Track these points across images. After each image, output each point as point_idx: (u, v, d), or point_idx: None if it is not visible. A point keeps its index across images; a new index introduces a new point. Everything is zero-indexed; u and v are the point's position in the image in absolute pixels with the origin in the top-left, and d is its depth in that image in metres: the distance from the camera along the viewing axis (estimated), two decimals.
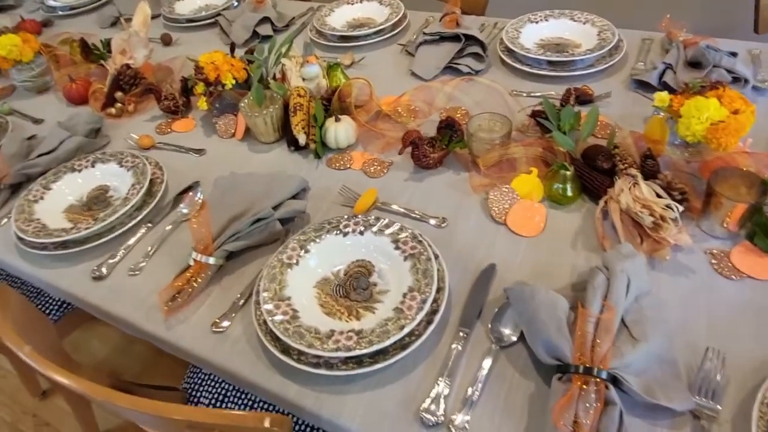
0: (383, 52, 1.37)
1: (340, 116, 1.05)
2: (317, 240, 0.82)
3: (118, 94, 1.28)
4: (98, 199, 1.02)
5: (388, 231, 0.81)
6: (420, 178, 0.98)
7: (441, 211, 0.90)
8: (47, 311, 1.29)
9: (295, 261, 0.80)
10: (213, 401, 1.00)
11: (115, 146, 1.19)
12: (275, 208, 0.89)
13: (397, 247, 0.80)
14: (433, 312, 0.71)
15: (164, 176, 1.02)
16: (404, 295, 0.73)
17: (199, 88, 1.12)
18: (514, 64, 1.20)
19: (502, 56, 1.23)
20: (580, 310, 0.66)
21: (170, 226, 0.94)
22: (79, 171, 1.06)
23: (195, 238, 0.84)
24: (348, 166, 1.02)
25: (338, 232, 0.83)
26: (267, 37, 1.50)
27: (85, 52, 1.45)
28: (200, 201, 0.98)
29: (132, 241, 0.93)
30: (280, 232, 0.88)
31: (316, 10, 1.62)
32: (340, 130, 1.04)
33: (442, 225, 0.88)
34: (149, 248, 0.91)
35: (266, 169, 1.05)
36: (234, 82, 1.14)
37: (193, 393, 1.05)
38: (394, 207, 0.92)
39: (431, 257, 0.76)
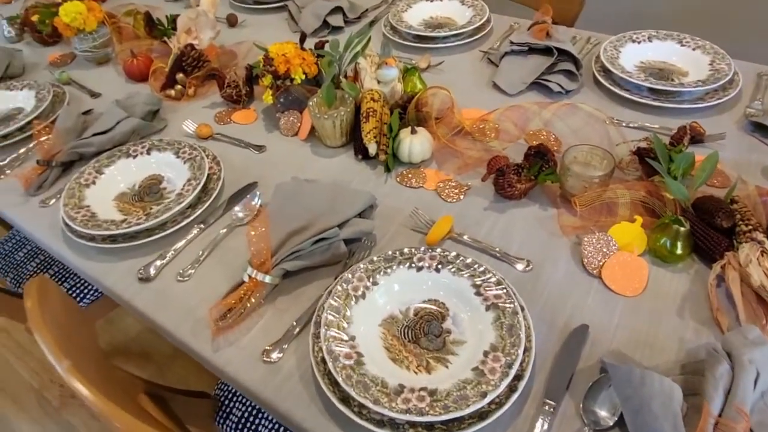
0: (462, 57, 1.26)
1: (416, 128, 0.96)
2: (387, 272, 0.73)
3: (179, 76, 1.21)
4: (150, 190, 0.95)
5: (468, 272, 0.72)
6: (501, 208, 0.88)
7: (524, 251, 0.80)
8: (84, 292, 1.25)
9: (361, 293, 0.71)
10: (244, 417, 0.94)
11: (171, 131, 1.13)
12: (340, 226, 0.81)
13: (478, 293, 0.70)
14: (517, 377, 0.62)
15: (221, 173, 0.95)
16: (485, 354, 0.64)
17: (267, 80, 1.04)
18: (611, 87, 1.08)
19: (598, 77, 1.11)
20: (704, 407, 0.55)
21: (224, 230, 0.87)
22: (134, 157, 0.99)
23: (252, 252, 0.76)
24: (421, 184, 0.93)
25: (411, 265, 0.74)
26: (337, 28, 1.41)
27: (148, 26, 1.39)
28: (257, 206, 0.90)
29: (182, 242, 0.86)
30: (343, 255, 0.79)
31: (390, 4, 1.52)
32: (415, 144, 0.94)
33: (527, 269, 0.78)
34: (200, 253, 0.84)
35: (330, 176, 0.97)
36: (303, 77, 1.05)
37: (225, 403, 0.99)
38: (470, 239, 0.82)
39: (518, 310, 0.67)
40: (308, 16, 1.41)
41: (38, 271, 1.30)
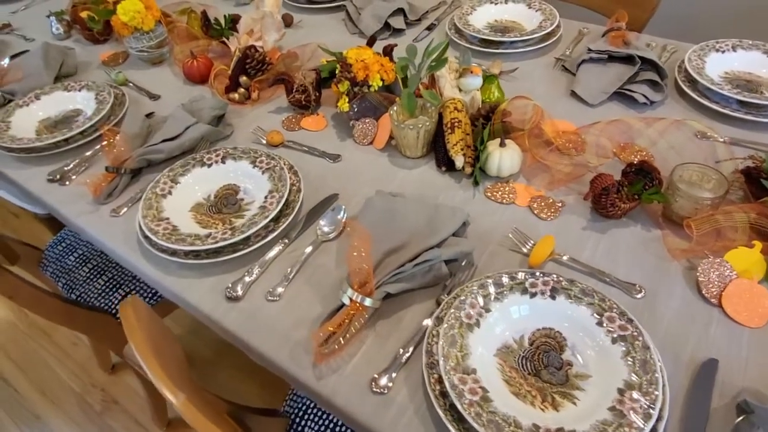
0: (533, 63, 1.22)
1: (506, 140, 0.91)
2: (500, 298, 0.70)
3: (243, 79, 1.18)
4: (228, 201, 0.92)
5: (587, 299, 0.68)
6: (601, 228, 0.83)
7: (633, 276, 0.76)
8: (145, 295, 1.22)
9: (475, 321, 0.68)
10: None
11: (238, 137, 1.09)
12: (438, 245, 0.77)
13: (601, 323, 0.66)
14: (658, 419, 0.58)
15: (301, 184, 0.91)
16: (621, 392, 0.60)
17: (343, 86, 1.00)
18: (699, 99, 1.03)
19: (683, 87, 1.06)
20: None
21: (309, 248, 0.83)
22: (209, 166, 0.96)
23: (352, 272, 0.73)
24: (512, 200, 0.89)
25: (525, 291, 0.70)
26: (398, 31, 1.37)
27: (205, 26, 1.35)
28: (343, 220, 0.86)
29: (267, 257, 0.83)
30: (445, 277, 0.75)
31: (449, 5, 1.47)
32: (505, 157, 0.90)
33: (637, 295, 0.74)
34: (289, 270, 0.80)
35: (413, 189, 0.93)
36: (381, 83, 1.01)
37: (297, 421, 0.95)
38: (571, 261, 0.78)
39: (648, 345, 0.63)
40: (368, 18, 1.36)
41: (92, 276, 1.27)
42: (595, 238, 0.82)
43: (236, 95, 1.17)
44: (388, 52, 1.13)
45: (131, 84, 1.28)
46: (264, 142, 1.06)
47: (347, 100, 1.01)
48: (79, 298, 1.26)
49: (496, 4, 1.37)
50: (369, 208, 0.83)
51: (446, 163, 0.95)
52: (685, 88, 1.06)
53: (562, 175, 0.91)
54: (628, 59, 1.11)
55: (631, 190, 0.83)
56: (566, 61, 1.20)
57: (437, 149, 0.97)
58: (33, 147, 1.05)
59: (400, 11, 1.37)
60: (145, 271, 0.84)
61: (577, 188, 0.90)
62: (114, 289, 1.25)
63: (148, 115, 1.15)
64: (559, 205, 0.87)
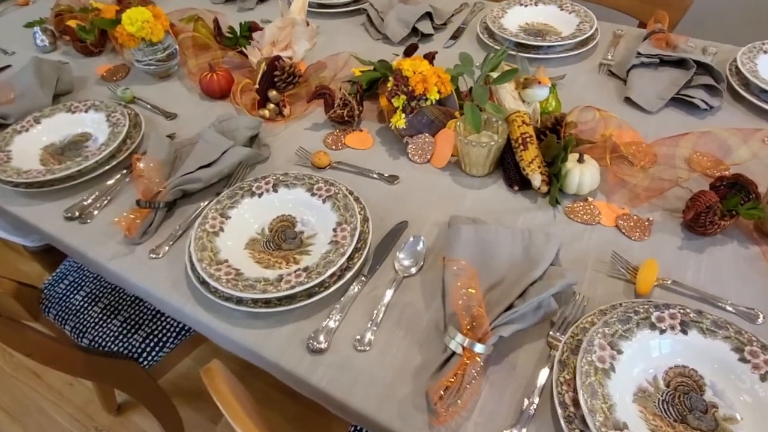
0: (575, 69, 1.17)
1: (584, 155, 0.86)
2: (628, 336, 0.64)
3: (273, 93, 1.07)
4: (286, 235, 0.82)
5: (722, 333, 0.63)
6: (697, 246, 0.79)
7: (744, 298, 0.72)
8: (162, 341, 1.10)
9: (609, 365, 0.61)
10: None
11: (277, 159, 0.99)
12: (541, 277, 0.70)
13: (744, 359, 0.61)
14: None
15: (366, 212, 0.83)
16: None
17: (399, 101, 0.92)
18: (761, 104, 1.00)
19: (740, 91, 1.04)
20: None
21: (391, 289, 0.75)
22: (259, 195, 0.85)
23: (460, 315, 0.65)
24: (597, 220, 0.83)
25: (651, 326, 0.64)
26: (426, 35, 1.29)
27: (218, 35, 1.24)
28: (423, 252, 0.79)
29: (344, 298, 0.74)
30: (554, 312, 0.69)
31: (472, 8, 1.40)
32: (585, 174, 0.84)
33: (758, 321, 0.69)
34: (374, 314, 0.72)
35: (486, 211, 0.86)
36: (438, 96, 0.93)
37: None
38: (675, 284, 0.73)
39: None
40: (393, 23, 1.28)
41: (105, 317, 1.13)
42: (694, 258, 0.77)
43: (266, 111, 1.06)
44: (431, 58, 1.05)
45: (140, 101, 1.15)
46: (309, 163, 0.96)
47: (403, 115, 0.93)
48: (92, 343, 1.12)
49: (525, 6, 1.31)
50: (455, 239, 0.75)
51: (519, 183, 0.88)
52: (742, 92, 1.03)
53: (640, 189, 0.86)
54: (680, 63, 1.07)
55: (726, 205, 0.79)
56: (612, 65, 1.15)
57: (506, 166, 0.90)
58: (46, 181, 0.91)
59: (427, 15, 1.30)
60: (207, 323, 0.74)
61: (660, 204, 0.85)
62: (133, 331, 1.12)
63: (169, 136, 1.03)
64: (648, 223, 0.82)
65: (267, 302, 0.72)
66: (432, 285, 0.75)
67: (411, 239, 0.80)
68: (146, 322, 1.13)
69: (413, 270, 0.77)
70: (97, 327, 1.13)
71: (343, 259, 0.74)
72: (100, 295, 1.18)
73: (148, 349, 1.09)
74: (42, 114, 1.05)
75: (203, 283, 0.74)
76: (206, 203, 0.89)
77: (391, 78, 0.94)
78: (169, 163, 0.94)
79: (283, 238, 0.82)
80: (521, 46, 1.21)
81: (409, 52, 1.10)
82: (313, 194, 0.85)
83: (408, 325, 0.71)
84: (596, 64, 1.18)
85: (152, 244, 0.84)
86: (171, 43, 1.18)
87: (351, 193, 0.86)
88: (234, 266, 0.75)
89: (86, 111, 1.06)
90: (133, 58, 1.18)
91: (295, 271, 0.73)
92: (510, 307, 0.66)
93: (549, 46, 1.19)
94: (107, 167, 0.95)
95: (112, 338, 1.11)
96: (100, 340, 1.12)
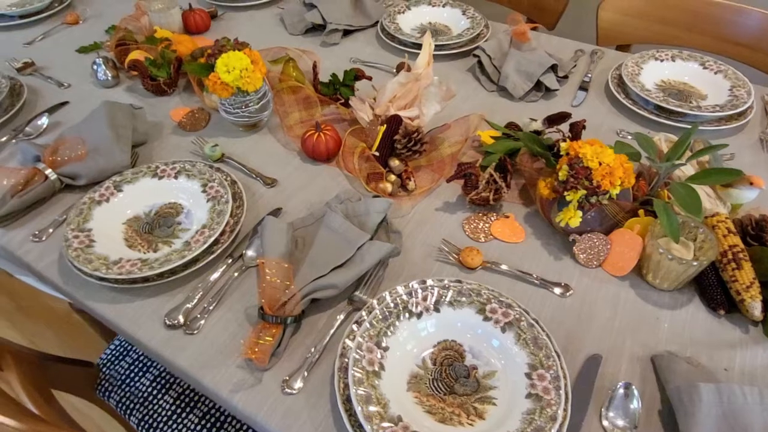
0: (730, 143, 1.02)
1: None
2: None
3: (395, 163, 0.91)
4: (458, 374, 0.66)
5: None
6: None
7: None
8: None
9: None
10: None
11: (410, 252, 0.81)
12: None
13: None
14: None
15: (553, 342, 0.67)
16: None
17: (575, 195, 0.76)
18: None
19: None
20: None
21: None
22: (418, 317, 0.69)
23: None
24: None
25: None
26: (550, 91, 1.13)
27: (316, 82, 1.07)
28: (639, 410, 0.63)
29: None
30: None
31: (591, 55, 1.25)
32: None
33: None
34: None
35: (687, 340, 0.70)
36: (619, 189, 0.78)
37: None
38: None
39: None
40: (514, 75, 1.12)
41: (181, 411, 0.96)
42: None
43: (388, 185, 0.90)
44: (579, 130, 0.89)
45: (229, 159, 0.98)
46: (452, 259, 0.80)
47: (580, 213, 0.77)
48: None
49: (661, 61, 1.16)
50: (696, 414, 0.59)
51: (725, 305, 0.73)
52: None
53: None
54: None
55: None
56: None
57: (706, 283, 0.74)
58: (148, 277, 0.74)
59: (552, 68, 1.13)
60: None
61: None
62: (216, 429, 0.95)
63: (275, 213, 0.87)
64: None
65: None
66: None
67: (620, 389, 0.64)
68: (229, 420, 0.96)
69: None
70: (173, 422, 0.96)
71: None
72: (173, 382, 1.01)
73: None
74: (123, 179, 0.88)
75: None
76: (343, 316, 0.72)
77: (563, 165, 0.78)
78: (287, 254, 0.77)
79: (453, 374, 0.65)
80: (663, 111, 1.05)
81: (556, 120, 0.94)
82: (486, 318, 0.68)
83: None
84: (755, 137, 1.03)
85: (283, 371, 0.67)
86: (266, 91, 1.01)
87: (525, 312, 0.70)
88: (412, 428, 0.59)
89: (175, 177, 0.89)
90: (221, 108, 1.01)
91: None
92: None
93: (696, 115, 1.04)
94: (211, 257, 0.78)
95: None
96: None
